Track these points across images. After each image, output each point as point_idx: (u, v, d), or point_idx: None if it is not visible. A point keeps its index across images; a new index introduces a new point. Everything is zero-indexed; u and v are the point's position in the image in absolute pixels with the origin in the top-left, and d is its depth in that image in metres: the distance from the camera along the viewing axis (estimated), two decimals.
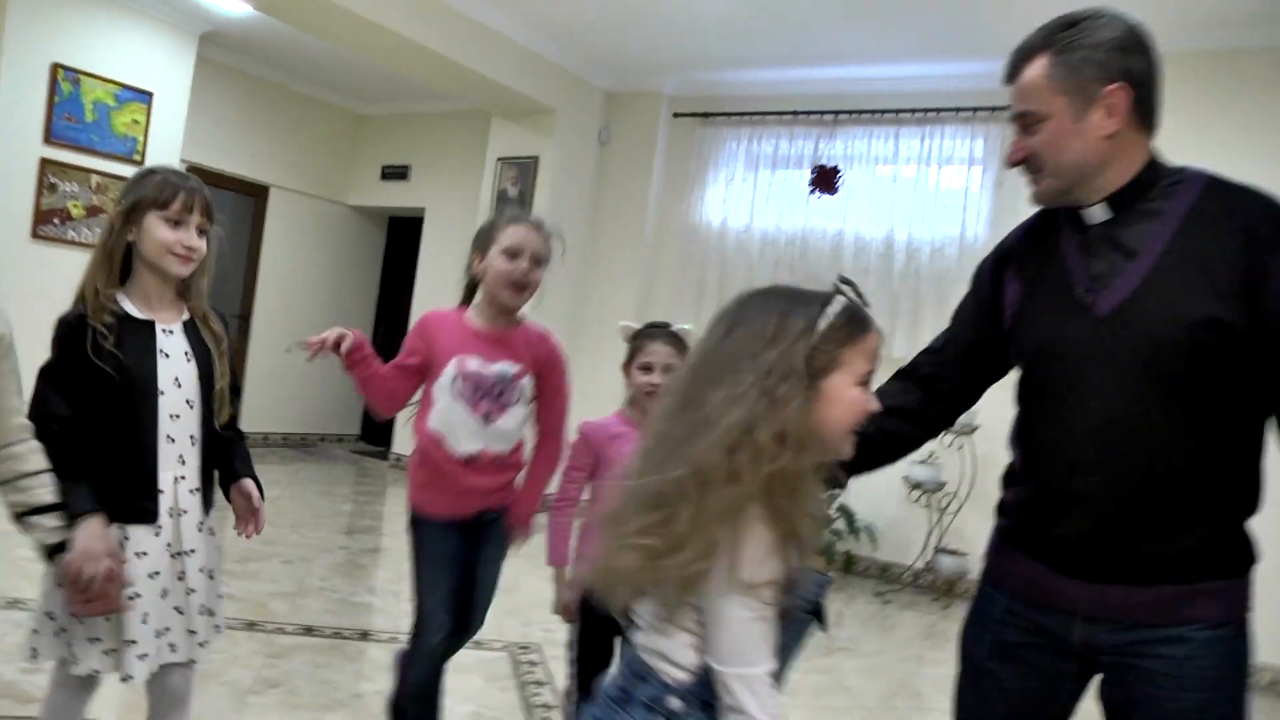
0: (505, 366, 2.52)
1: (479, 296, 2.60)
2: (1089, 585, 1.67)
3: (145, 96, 7.10)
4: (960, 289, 2.01)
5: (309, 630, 4.11)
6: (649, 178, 7.43)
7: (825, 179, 6.62)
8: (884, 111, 6.59)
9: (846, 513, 6.28)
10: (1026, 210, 1.88)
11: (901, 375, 1.95)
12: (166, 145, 7.26)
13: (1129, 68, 1.62)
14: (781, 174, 6.92)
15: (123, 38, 6.95)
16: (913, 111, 6.49)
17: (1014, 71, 1.70)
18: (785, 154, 6.90)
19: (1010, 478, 1.85)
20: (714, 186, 7.18)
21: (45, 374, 2.08)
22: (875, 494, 6.36)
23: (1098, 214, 1.68)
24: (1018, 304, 1.78)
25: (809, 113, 6.81)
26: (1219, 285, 1.55)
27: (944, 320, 2.00)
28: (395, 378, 2.52)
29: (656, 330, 2.72)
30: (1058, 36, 1.66)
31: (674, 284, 7.29)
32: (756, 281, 6.65)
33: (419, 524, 2.58)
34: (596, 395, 7.09)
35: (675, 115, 7.40)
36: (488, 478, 2.54)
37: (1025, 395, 1.80)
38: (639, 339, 2.71)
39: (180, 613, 2.16)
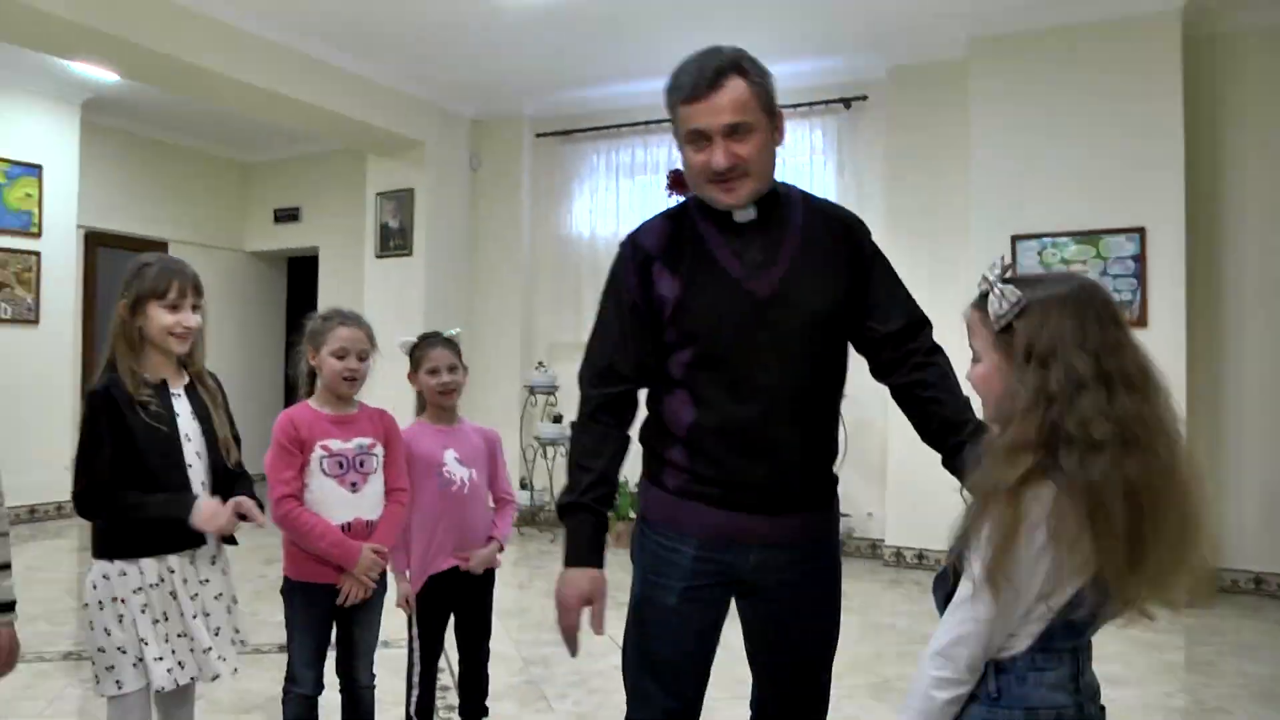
0: (360, 440, 2.89)
1: (319, 387, 2.96)
2: (768, 519, 2.03)
3: (35, 170, 7.44)
4: None
5: None
6: (519, 197, 7.93)
7: (681, 181, 7.06)
8: None
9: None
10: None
11: (620, 417, 2.13)
12: (62, 214, 7.60)
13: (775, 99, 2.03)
14: (640, 180, 7.46)
15: (4, 115, 7.27)
16: None
17: (712, 86, 1.93)
18: (642, 162, 7.44)
19: (670, 439, 2.09)
20: (580, 199, 7.71)
21: (85, 446, 2.39)
22: None
23: (749, 214, 2.03)
24: (678, 294, 2.02)
25: (660, 121, 7.30)
26: (838, 281, 2.06)
27: None
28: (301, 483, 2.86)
29: (434, 339, 3.15)
30: (745, 63, 1.96)
31: (553, 295, 7.82)
32: None
33: (293, 590, 2.86)
34: (498, 409, 7.62)
35: (538, 136, 7.90)
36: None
37: (695, 370, 2.04)
38: (420, 349, 3.13)
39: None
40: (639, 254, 2.09)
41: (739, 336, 1.99)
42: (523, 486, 7.57)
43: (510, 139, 7.99)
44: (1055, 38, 5.94)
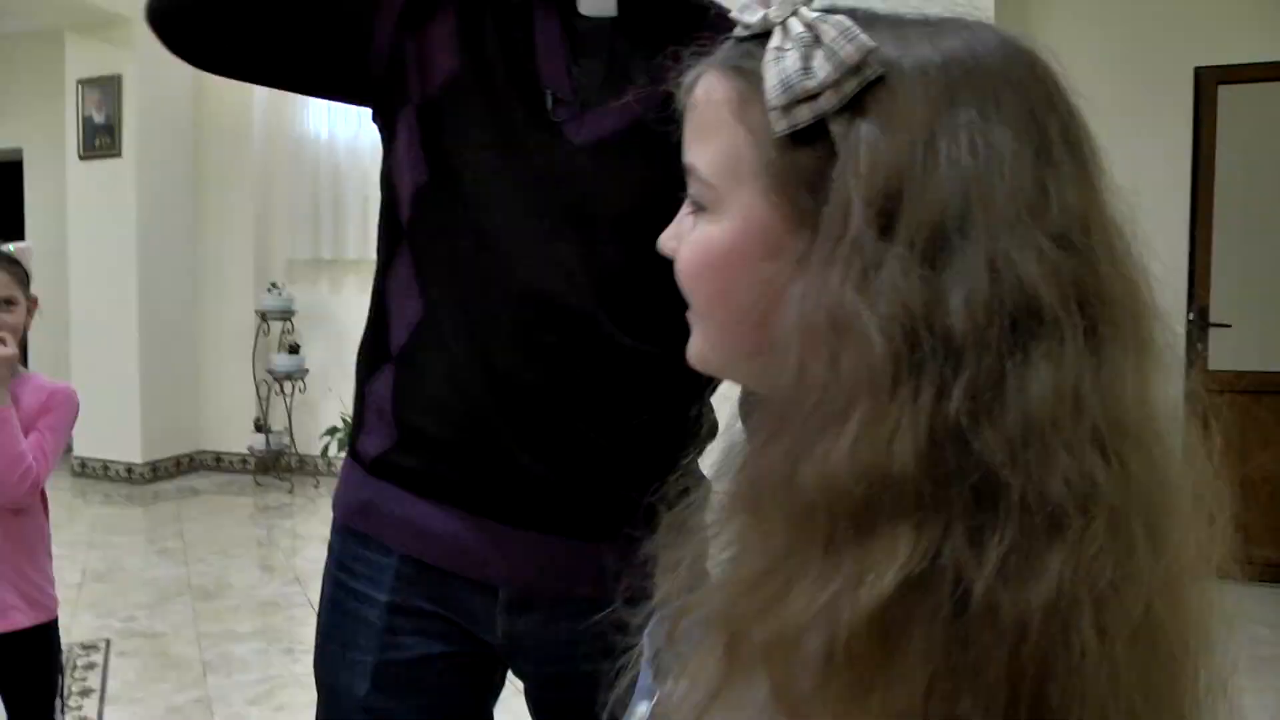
0: None
1: None
2: (518, 533, 1.13)
3: None
4: None
5: None
6: (248, 87, 6.69)
7: None
8: None
9: None
10: None
11: None
12: None
13: None
14: None
15: None
16: None
17: None
18: None
19: (378, 360, 1.20)
20: None
21: None
22: None
23: (607, 6, 1.14)
24: (447, 76, 1.13)
25: None
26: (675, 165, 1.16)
27: None
28: None
29: None
30: None
31: (289, 205, 6.72)
32: (373, 193, 6.25)
33: None
34: (227, 337, 6.55)
35: None
36: None
37: (428, 216, 1.16)
38: None
39: None
40: None
41: (516, 189, 1.10)
42: (257, 429, 6.54)
43: None
44: None
